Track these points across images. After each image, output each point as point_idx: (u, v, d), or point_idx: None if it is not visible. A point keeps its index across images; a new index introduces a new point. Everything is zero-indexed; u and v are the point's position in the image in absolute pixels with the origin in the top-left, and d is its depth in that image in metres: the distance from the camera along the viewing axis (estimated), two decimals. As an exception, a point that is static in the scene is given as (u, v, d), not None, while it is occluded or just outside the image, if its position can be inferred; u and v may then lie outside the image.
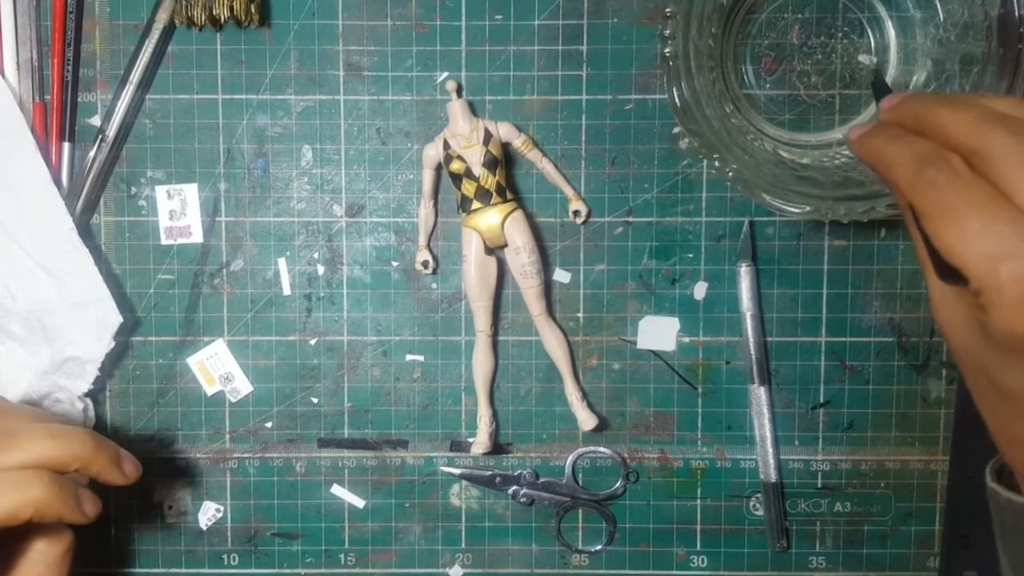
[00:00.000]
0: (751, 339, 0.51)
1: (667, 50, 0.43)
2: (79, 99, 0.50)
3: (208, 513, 0.52)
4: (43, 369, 0.49)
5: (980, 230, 0.31)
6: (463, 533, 0.53)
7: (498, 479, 0.52)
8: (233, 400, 0.52)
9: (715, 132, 0.43)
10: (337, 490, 0.52)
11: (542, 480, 0.52)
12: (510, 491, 0.52)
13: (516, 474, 0.52)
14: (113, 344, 0.50)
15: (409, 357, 0.52)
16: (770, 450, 0.51)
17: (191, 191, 0.51)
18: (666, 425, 0.52)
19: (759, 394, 0.51)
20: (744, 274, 0.51)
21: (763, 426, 0.51)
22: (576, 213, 0.50)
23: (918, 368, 0.52)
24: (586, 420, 0.50)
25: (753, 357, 0.51)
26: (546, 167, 0.50)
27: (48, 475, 0.40)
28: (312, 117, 0.51)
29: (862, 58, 0.49)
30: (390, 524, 0.53)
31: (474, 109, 0.50)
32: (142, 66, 0.49)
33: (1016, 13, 0.42)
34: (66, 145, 0.50)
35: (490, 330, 0.50)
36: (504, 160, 0.49)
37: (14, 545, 0.41)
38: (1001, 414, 0.34)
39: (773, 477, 0.51)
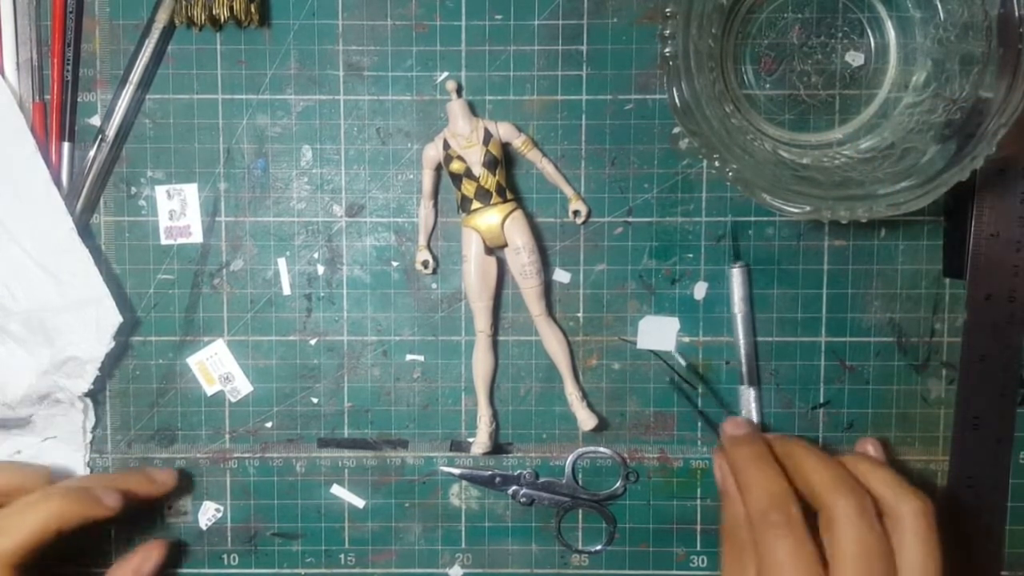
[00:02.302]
0: (741, 340, 0.51)
1: (667, 50, 0.43)
2: (79, 99, 0.50)
3: (208, 513, 0.52)
4: (43, 369, 0.49)
5: None
6: (463, 533, 0.53)
7: (498, 479, 0.52)
8: (233, 400, 0.52)
9: (715, 132, 0.43)
10: (337, 490, 0.52)
11: (542, 480, 0.52)
12: (510, 491, 0.52)
13: (516, 474, 0.52)
14: (113, 344, 0.50)
15: (409, 357, 0.52)
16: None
17: (191, 191, 0.51)
18: (666, 425, 0.52)
19: (748, 394, 0.51)
20: (735, 275, 0.50)
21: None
22: (576, 213, 0.50)
23: (918, 368, 0.52)
24: (586, 420, 0.50)
25: (743, 358, 0.51)
26: (546, 167, 0.50)
27: (58, 488, 0.45)
28: (312, 117, 0.51)
29: (850, 57, 0.49)
30: (390, 524, 0.53)
31: (474, 109, 0.50)
32: (142, 66, 0.49)
33: (1016, 13, 0.42)
34: (66, 145, 0.50)
35: (490, 330, 0.50)
36: (504, 160, 0.49)
37: None
38: None
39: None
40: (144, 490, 0.49)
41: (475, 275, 0.49)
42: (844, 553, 0.39)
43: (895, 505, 0.41)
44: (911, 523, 0.40)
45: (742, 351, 0.51)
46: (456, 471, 0.52)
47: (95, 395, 0.51)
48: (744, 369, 0.51)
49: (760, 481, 0.42)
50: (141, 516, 0.52)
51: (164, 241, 0.51)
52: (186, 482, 0.52)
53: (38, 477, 0.47)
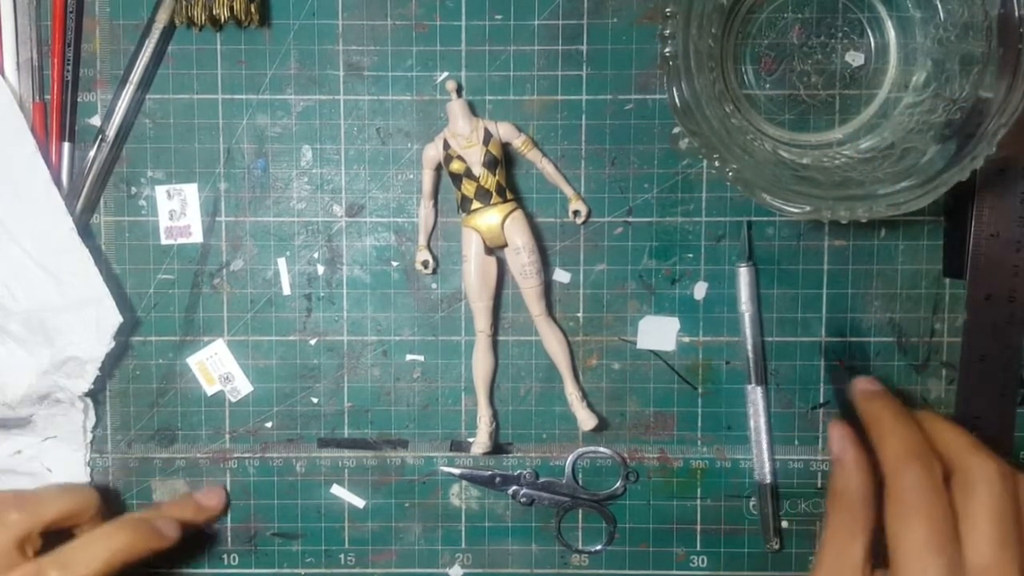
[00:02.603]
0: (749, 339, 0.51)
1: (667, 50, 0.43)
2: (79, 99, 0.50)
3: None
4: (43, 369, 0.49)
5: (921, 546, 0.38)
6: (463, 533, 0.53)
7: (498, 479, 0.52)
8: (233, 400, 0.52)
9: (715, 132, 0.43)
10: (337, 490, 0.52)
11: (542, 480, 0.52)
12: (510, 491, 0.52)
13: (516, 474, 0.52)
14: (113, 344, 0.50)
15: (409, 357, 0.52)
16: (765, 450, 0.51)
17: (191, 191, 0.51)
18: (666, 425, 0.52)
19: (755, 394, 0.51)
20: (742, 274, 0.51)
21: (759, 426, 0.51)
22: (576, 213, 0.50)
23: (918, 368, 0.52)
24: (586, 420, 0.50)
25: (750, 357, 0.51)
26: (546, 167, 0.50)
27: (122, 521, 0.48)
28: (312, 117, 0.51)
29: (850, 57, 0.49)
30: (390, 524, 0.53)
31: (474, 109, 0.50)
32: (142, 66, 0.49)
33: (1016, 13, 0.42)
34: (66, 145, 0.50)
35: (490, 330, 0.51)
36: (504, 160, 0.49)
37: None
38: None
39: (768, 478, 0.51)
40: (197, 517, 0.51)
41: (475, 275, 0.49)
42: (982, 513, 0.38)
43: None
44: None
45: (749, 350, 0.51)
46: (456, 471, 0.52)
47: (95, 395, 0.51)
48: (751, 368, 0.51)
49: (902, 433, 0.42)
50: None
51: (164, 241, 0.51)
52: (182, 482, 0.52)
53: (87, 499, 0.48)
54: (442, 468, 0.52)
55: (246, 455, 0.52)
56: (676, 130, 0.50)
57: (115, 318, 0.49)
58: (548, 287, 0.51)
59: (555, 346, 0.51)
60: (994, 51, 0.43)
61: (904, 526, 0.39)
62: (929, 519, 0.39)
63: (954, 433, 0.42)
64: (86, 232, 0.50)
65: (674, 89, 0.44)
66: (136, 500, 0.52)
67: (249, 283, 0.52)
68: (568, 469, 0.52)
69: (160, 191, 0.51)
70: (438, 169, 0.50)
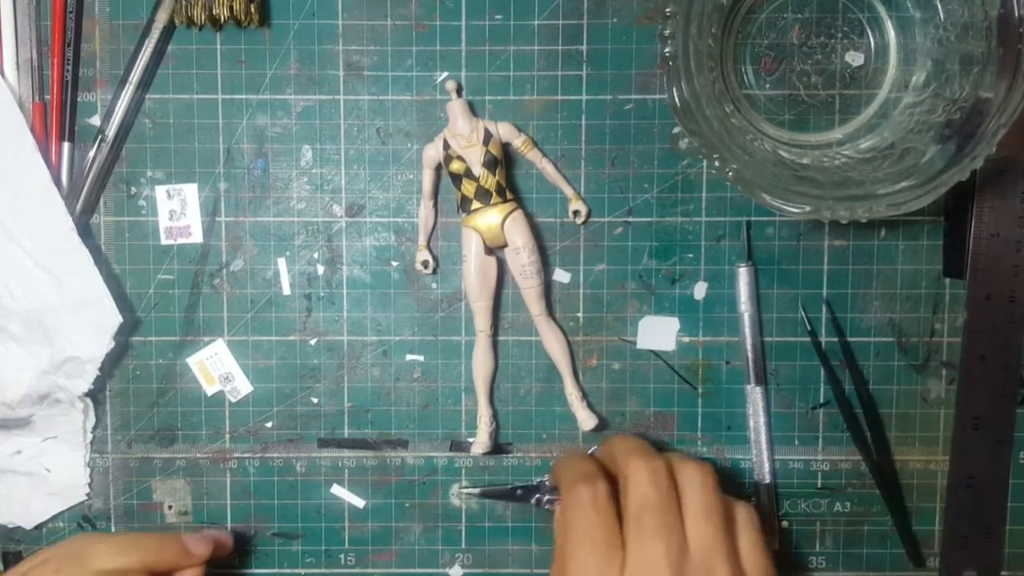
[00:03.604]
0: (748, 339, 0.51)
1: (667, 50, 0.43)
2: (79, 99, 0.50)
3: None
4: (43, 369, 0.49)
5: (586, 556, 0.42)
6: (463, 533, 0.53)
7: (519, 491, 0.50)
8: (233, 400, 0.52)
9: (715, 132, 0.43)
10: (337, 490, 0.52)
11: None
12: (533, 500, 0.50)
13: (536, 483, 0.50)
14: (113, 344, 0.50)
15: (409, 357, 0.52)
16: (765, 450, 0.51)
17: (191, 191, 0.51)
18: (666, 425, 0.52)
19: (755, 394, 0.51)
20: (742, 274, 0.51)
21: (758, 426, 0.51)
22: (576, 213, 0.50)
23: (918, 368, 0.52)
24: (586, 420, 0.50)
25: (750, 357, 0.51)
26: (546, 167, 0.50)
27: (149, 536, 0.48)
28: (312, 117, 0.51)
29: (850, 57, 0.49)
30: (390, 524, 0.53)
31: (474, 109, 0.50)
32: (142, 66, 0.49)
33: (1016, 13, 0.42)
34: (66, 145, 0.50)
35: (490, 330, 0.51)
36: (504, 160, 0.49)
37: None
38: None
39: (767, 478, 0.51)
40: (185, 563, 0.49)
41: (475, 275, 0.49)
42: (631, 504, 0.42)
43: (679, 469, 0.44)
44: (692, 481, 0.43)
45: (749, 350, 0.51)
46: (476, 490, 0.51)
47: (95, 395, 0.51)
48: (751, 368, 0.51)
49: (572, 466, 0.46)
50: (141, 516, 0.52)
51: (164, 241, 0.51)
52: (182, 482, 0.52)
53: (174, 550, 0.47)
54: (463, 491, 0.52)
55: (246, 455, 0.52)
56: (676, 130, 0.50)
57: (115, 318, 0.49)
58: (548, 287, 0.51)
59: (555, 346, 0.51)
60: (994, 51, 0.43)
61: (570, 549, 0.43)
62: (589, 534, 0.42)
63: (619, 444, 0.46)
64: (86, 232, 0.50)
65: (674, 89, 0.44)
66: (136, 500, 0.52)
67: (249, 283, 0.52)
68: (568, 469, 0.52)
69: (160, 191, 0.51)
70: (438, 169, 0.50)
